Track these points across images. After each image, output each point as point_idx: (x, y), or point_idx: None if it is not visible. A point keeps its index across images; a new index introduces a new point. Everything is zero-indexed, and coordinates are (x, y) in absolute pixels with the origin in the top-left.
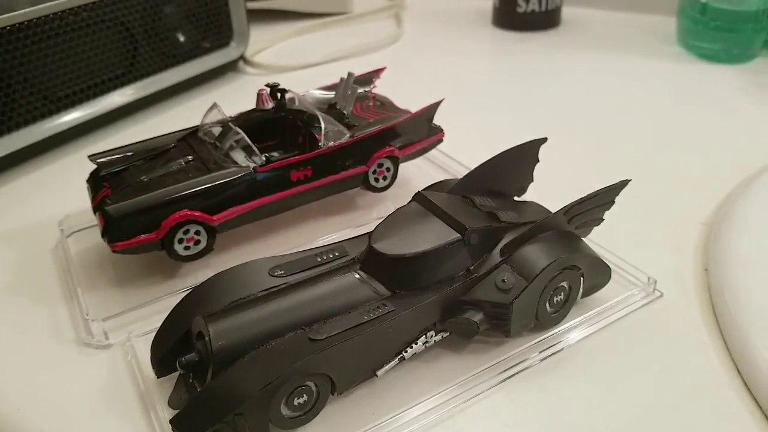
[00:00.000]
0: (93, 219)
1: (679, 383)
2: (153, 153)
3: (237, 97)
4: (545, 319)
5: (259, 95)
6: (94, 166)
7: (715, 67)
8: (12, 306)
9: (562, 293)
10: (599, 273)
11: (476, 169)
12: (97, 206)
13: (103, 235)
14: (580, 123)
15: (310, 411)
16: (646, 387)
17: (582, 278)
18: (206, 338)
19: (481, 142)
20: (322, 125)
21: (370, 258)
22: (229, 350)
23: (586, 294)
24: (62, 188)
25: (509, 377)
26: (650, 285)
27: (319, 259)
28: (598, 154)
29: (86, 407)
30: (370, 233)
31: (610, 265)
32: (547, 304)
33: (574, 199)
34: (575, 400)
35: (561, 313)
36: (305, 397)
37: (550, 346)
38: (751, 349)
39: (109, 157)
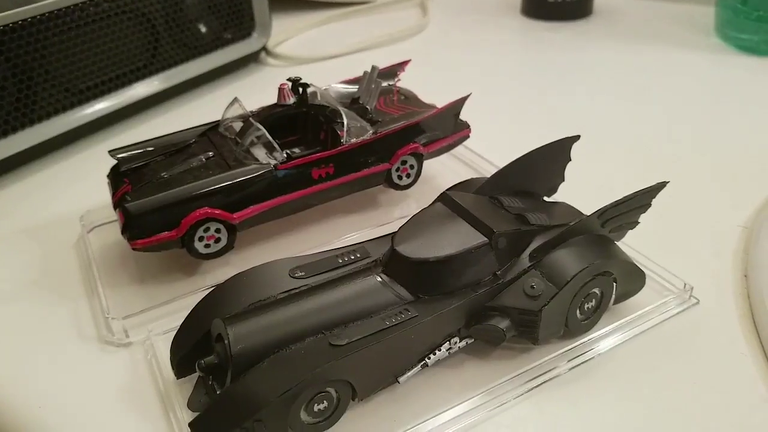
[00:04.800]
0: (114, 214)
1: (714, 396)
2: (174, 148)
3: (259, 89)
4: (575, 327)
5: (281, 90)
6: (115, 161)
7: (756, 60)
8: (34, 302)
9: (594, 300)
10: (633, 279)
11: (505, 168)
12: (118, 203)
13: (123, 233)
14: (613, 118)
15: (331, 417)
16: (680, 399)
17: (615, 284)
18: (225, 341)
19: (509, 137)
20: (345, 121)
21: (392, 261)
22: (248, 354)
23: (618, 301)
24: (84, 182)
25: (537, 386)
26: (686, 292)
27: (341, 261)
28: (631, 151)
29: (106, 406)
30: (393, 235)
31: (644, 270)
32: (578, 311)
33: (608, 201)
34: (605, 411)
35: (592, 320)
36: (325, 404)
37: (579, 355)
38: None
39: (130, 153)
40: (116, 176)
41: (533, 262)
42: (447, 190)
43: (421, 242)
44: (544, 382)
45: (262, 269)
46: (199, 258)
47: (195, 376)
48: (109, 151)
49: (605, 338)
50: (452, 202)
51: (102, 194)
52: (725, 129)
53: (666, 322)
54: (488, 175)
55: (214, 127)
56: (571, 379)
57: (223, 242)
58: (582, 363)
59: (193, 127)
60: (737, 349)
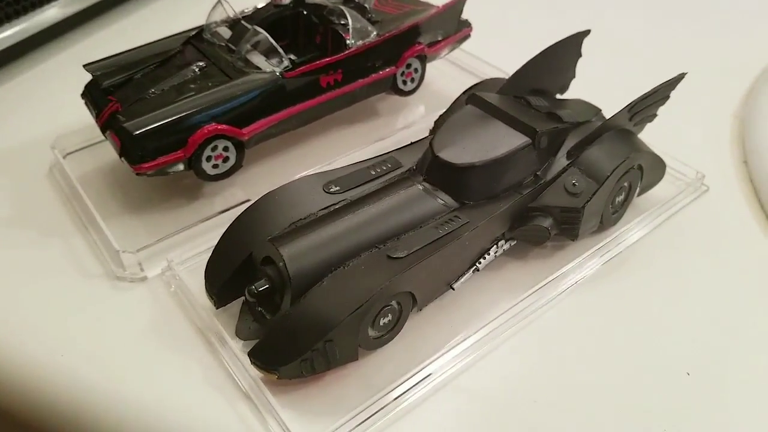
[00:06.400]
0: (90, 138)
1: (734, 272)
2: (157, 60)
3: None
4: (607, 221)
5: None
6: (89, 77)
7: None
8: (18, 241)
9: (623, 193)
10: (656, 170)
11: (524, 66)
12: (108, 123)
13: (121, 156)
14: (603, 12)
15: (393, 329)
16: (704, 282)
17: (641, 176)
18: (280, 264)
19: (503, 37)
20: (350, 22)
21: (434, 168)
22: (305, 274)
23: (641, 192)
24: (47, 102)
25: (575, 283)
26: (698, 180)
27: (373, 172)
28: (621, 44)
29: (138, 346)
30: (430, 141)
31: None
32: (610, 205)
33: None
34: (642, 299)
35: (620, 213)
36: (390, 317)
37: (610, 249)
38: None
39: (108, 67)
40: (96, 94)
41: (571, 160)
42: (472, 90)
43: (463, 147)
44: (583, 278)
45: (293, 186)
46: (207, 180)
47: (234, 304)
48: (85, 66)
49: (632, 231)
50: (484, 103)
51: (72, 116)
52: (710, 13)
53: (683, 210)
54: (487, 78)
55: (198, 33)
56: (606, 272)
57: (232, 161)
58: (613, 257)
59: (173, 35)
60: (749, 228)
